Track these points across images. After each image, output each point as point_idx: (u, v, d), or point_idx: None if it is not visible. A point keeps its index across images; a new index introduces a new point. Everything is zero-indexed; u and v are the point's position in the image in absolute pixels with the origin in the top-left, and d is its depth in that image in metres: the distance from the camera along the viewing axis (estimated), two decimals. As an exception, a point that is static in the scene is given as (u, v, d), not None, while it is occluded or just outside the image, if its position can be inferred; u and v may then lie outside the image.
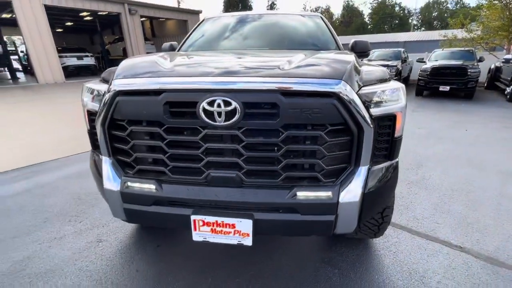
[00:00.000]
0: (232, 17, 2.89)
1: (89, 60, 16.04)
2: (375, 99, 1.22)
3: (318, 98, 1.10)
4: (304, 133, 1.16)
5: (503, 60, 9.22)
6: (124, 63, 1.41)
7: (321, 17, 2.83)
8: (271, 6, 30.59)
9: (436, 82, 8.66)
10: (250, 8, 27.62)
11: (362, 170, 1.22)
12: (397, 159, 1.40)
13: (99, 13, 15.87)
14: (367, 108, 1.17)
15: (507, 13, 11.07)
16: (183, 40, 2.79)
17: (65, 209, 2.51)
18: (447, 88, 8.51)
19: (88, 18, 18.19)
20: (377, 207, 1.44)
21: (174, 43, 2.88)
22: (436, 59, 9.94)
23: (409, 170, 3.32)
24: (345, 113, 1.10)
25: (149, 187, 1.26)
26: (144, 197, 1.26)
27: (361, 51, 2.56)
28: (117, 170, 1.33)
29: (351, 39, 2.59)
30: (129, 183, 1.29)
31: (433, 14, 51.62)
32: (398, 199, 2.61)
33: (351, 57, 1.48)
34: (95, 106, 1.36)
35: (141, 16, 17.02)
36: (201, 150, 1.19)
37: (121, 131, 1.27)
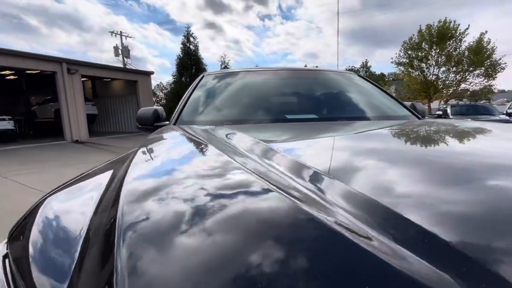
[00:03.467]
0: (249, 73, 2.10)
1: (5, 125, 13.17)
2: None
3: None
4: None
5: (436, 115, 10.94)
6: None
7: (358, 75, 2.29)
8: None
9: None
10: (204, 71, 27.09)
11: None
12: None
13: (28, 71, 13.82)
14: None
15: (423, 79, 13.82)
16: (180, 105, 1.80)
17: None
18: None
19: (12, 77, 15.70)
20: None
21: (160, 108, 1.95)
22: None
23: None
24: None
25: None
26: None
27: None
28: None
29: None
30: None
31: (352, 79, 63.73)
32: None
33: None
34: None
35: (83, 76, 15.46)
36: None
37: None
